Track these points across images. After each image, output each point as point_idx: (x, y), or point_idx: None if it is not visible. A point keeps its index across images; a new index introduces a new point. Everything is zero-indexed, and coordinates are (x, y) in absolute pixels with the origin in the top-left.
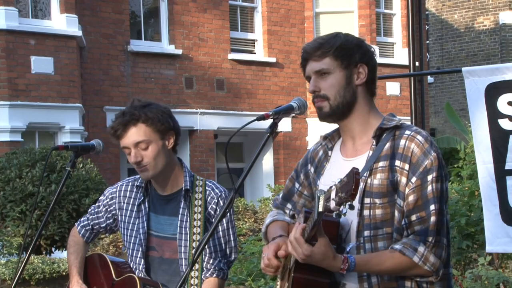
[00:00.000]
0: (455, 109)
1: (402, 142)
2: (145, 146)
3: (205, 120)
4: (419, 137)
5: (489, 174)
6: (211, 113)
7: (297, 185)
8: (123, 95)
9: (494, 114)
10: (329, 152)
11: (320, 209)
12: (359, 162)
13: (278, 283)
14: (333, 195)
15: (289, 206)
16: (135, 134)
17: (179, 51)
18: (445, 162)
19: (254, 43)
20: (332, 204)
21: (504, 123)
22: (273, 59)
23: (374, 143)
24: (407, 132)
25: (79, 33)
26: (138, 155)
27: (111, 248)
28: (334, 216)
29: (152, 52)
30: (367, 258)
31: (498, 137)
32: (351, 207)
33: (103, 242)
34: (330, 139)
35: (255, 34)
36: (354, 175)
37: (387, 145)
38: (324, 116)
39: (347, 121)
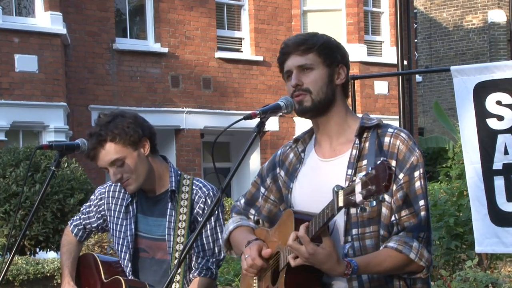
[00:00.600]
0: (443, 108)
1: (387, 139)
2: (120, 163)
3: (192, 119)
4: (403, 134)
5: (477, 174)
6: (198, 112)
7: (262, 189)
8: (108, 94)
9: (482, 114)
10: (302, 155)
11: (341, 204)
12: (339, 163)
13: (255, 284)
14: (358, 188)
15: (252, 211)
16: (106, 154)
17: (165, 50)
18: (433, 161)
19: (241, 41)
20: (359, 198)
21: (492, 123)
22: (260, 58)
23: (357, 141)
24: (390, 130)
25: (63, 31)
26: (117, 172)
27: (96, 248)
28: (359, 209)
29: (137, 51)
30: (367, 260)
31: (486, 136)
32: (383, 200)
33: (87, 242)
34: (302, 141)
35: (242, 32)
36: (386, 167)
37: (370, 143)
38: (304, 110)
39: (325, 119)
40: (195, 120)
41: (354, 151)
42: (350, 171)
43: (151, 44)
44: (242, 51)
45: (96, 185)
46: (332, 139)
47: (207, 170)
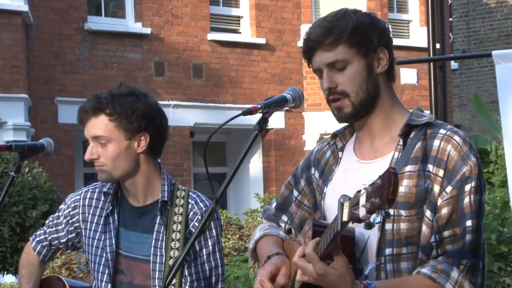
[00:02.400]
0: (484, 101)
1: (436, 142)
2: (104, 142)
3: (179, 115)
4: (456, 137)
5: None
6: (187, 105)
7: (295, 193)
8: (79, 84)
9: None
10: (339, 153)
11: (345, 218)
12: (380, 166)
13: None
14: (362, 201)
15: (284, 218)
16: (95, 125)
17: (147, 30)
18: None
19: (239, 20)
20: (362, 212)
21: None
22: (262, 40)
23: (401, 143)
24: (442, 131)
25: (25, 7)
26: (95, 151)
27: (63, 271)
28: (363, 227)
29: (114, 32)
30: (389, 285)
31: None
32: (387, 215)
33: (53, 264)
34: (341, 137)
35: (240, 10)
36: (391, 175)
37: (417, 145)
38: (346, 118)
39: (369, 119)
40: (183, 115)
41: (397, 154)
42: None
43: (130, 23)
44: (240, 32)
45: (63, 195)
46: (374, 138)
47: (198, 176)
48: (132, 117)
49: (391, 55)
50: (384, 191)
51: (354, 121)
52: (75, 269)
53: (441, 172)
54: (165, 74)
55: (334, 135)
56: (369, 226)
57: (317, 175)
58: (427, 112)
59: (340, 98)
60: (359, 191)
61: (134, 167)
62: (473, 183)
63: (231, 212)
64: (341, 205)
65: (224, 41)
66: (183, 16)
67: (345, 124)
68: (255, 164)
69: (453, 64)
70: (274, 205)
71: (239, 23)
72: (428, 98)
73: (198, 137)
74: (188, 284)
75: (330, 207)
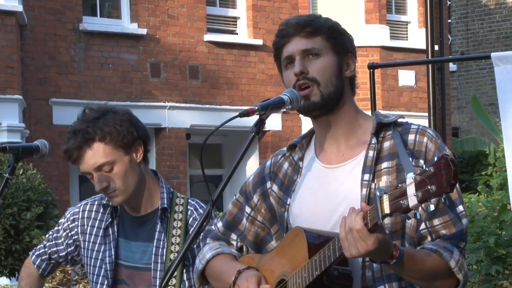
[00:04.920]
0: (483, 103)
1: (412, 136)
2: (109, 168)
3: (176, 116)
4: (429, 131)
5: None
6: (183, 107)
7: (247, 209)
8: (74, 85)
9: None
10: (300, 163)
11: (387, 210)
12: (351, 168)
13: None
14: (411, 191)
15: (234, 236)
16: (93, 157)
17: (143, 31)
18: (470, 168)
19: (235, 21)
20: (413, 201)
21: None
22: (259, 41)
23: (374, 141)
24: (414, 126)
25: (19, 8)
26: (103, 179)
27: (57, 274)
28: (409, 217)
29: (109, 32)
30: (412, 251)
31: None
32: (445, 201)
33: None
34: (300, 147)
35: (237, 11)
36: (450, 162)
37: (389, 143)
38: (312, 107)
39: (334, 118)
40: (179, 117)
41: (371, 152)
42: (367, 176)
43: (126, 24)
44: (237, 33)
45: (58, 197)
46: (339, 142)
47: (194, 178)
48: (123, 131)
49: (355, 68)
50: (443, 177)
51: (318, 114)
52: (70, 271)
53: (421, 162)
54: (161, 75)
55: (292, 146)
56: (414, 217)
57: (275, 188)
58: (415, 113)
59: (309, 85)
60: (402, 183)
61: (141, 179)
62: None
63: None
64: (379, 199)
65: (220, 42)
66: (179, 17)
67: (302, 134)
68: (252, 166)
69: (452, 66)
70: (220, 224)
71: (236, 24)
72: (426, 100)
73: (194, 139)
74: (187, 283)
75: (298, 216)
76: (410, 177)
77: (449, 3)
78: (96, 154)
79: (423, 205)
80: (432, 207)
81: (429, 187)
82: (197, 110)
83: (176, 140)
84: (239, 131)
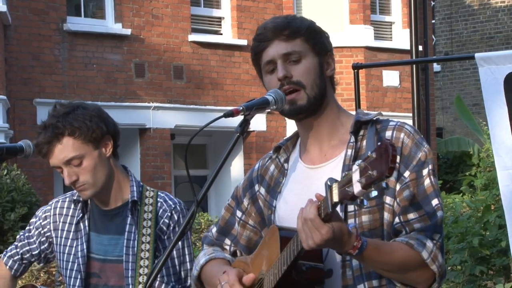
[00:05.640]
0: (467, 104)
1: (389, 133)
2: (78, 162)
3: (160, 117)
4: (407, 126)
5: None
6: (167, 107)
7: (238, 213)
8: (58, 85)
9: None
10: (285, 165)
11: (336, 199)
12: (332, 167)
13: None
14: (356, 177)
15: (227, 241)
16: (62, 151)
17: (128, 31)
18: (454, 168)
19: (220, 21)
20: (357, 188)
21: None
22: (243, 42)
23: (353, 140)
24: (392, 123)
25: (3, 8)
26: (72, 173)
27: (42, 275)
28: (357, 205)
29: (94, 32)
30: (378, 242)
31: None
32: (387, 187)
33: (32, 267)
34: (284, 149)
35: (221, 11)
36: (389, 147)
37: (367, 141)
38: (299, 111)
39: (317, 119)
40: (164, 117)
41: (350, 151)
42: None
43: (110, 24)
44: (221, 34)
45: (42, 197)
46: (322, 142)
47: (179, 178)
48: (92, 126)
49: (334, 66)
50: (382, 161)
51: (304, 117)
52: (54, 272)
53: (397, 159)
54: (146, 75)
55: (277, 148)
56: (361, 204)
57: (263, 191)
58: (399, 113)
59: (296, 89)
60: (348, 170)
61: (110, 173)
62: (430, 166)
63: (212, 215)
64: (329, 188)
65: (205, 42)
66: (164, 17)
67: (287, 136)
68: (237, 166)
69: (436, 67)
70: (215, 229)
71: (221, 24)
72: (410, 100)
73: (178, 139)
74: (158, 279)
75: (283, 218)
76: (356, 164)
77: (433, 3)
78: (66, 149)
79: (367, 191)
80: (374, 193)
81: (370, 172)
82: (181, 111)
83: (161, 141)
84: (224, 131)
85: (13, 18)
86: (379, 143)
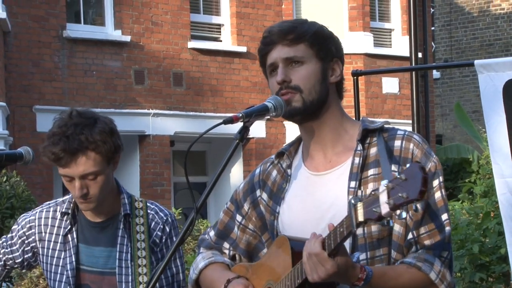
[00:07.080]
0: (466, 111)
1: (397, 143)
2: (93, 177)
3: (160, 123)
4: (416, 136)
5: (509, 189)
6: (167, 114)
7: (238, 217)
8: (58, 92)
9: None
10: (288, 171)
11: (361, 218)
12: (338, 175)
13: None
14: (383, 198)
15: (226, 245)
16: (83, 164)
17: (127, 38)
18: (454, 175)
19: (219, 28)
20: (385, 209)
21: None
22: (243, 49)
23: (360, 148)
24: (400, 132)
25: (3, 14)
26: (84, 186)
27: (41, 281)
28: (383, 224)
29: (93, 39)
30: (383, 269)
31: None
32: (416, 210)
33: (31, 274)
34: (288, 154)
35: (221, 18)
36: (420, 169)
37: (375, 149)
38: (293, 112)
39: (318, 124)
40: (163, 124)
41: (357, 159)
42: (353, 183)
43: (109, 31)
44: (221, 41)
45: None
46: (326, 149)
47: (178, 185)
48: (114, 143)
49: (342, 72)
50: (414, 185)
51: (300, 119)
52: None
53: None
54: (145, 82)
55: (280, 154)
56: (387, 224)
57: (265, 196)
58: (398, 120)
59: (291, 92)
60: (375, 190)
61: (112, 187)
62: (440, 178)
63: (212, 222)
64: (353, 206)
65: (204, 49)
66: (163, 24)
67: (290, 141)
68: (236, 173)
69: (435, 74)
70: (213, 233)
71: (220, 31)
72: (410, 107)
73: (178, 146)
74: None
75: (287, 224)
76: (383, 184)
77: (432, 10)
78: (87, 163)
79: (396, 212)
80: (404, 215)
81: (400, 195)
82: (181, 117)
83: (160, 147)
84: (223, 138)
85: (13, 25)
86: (408, 165)
